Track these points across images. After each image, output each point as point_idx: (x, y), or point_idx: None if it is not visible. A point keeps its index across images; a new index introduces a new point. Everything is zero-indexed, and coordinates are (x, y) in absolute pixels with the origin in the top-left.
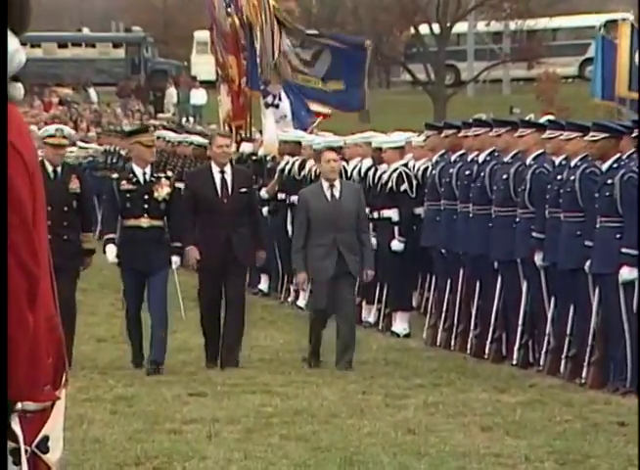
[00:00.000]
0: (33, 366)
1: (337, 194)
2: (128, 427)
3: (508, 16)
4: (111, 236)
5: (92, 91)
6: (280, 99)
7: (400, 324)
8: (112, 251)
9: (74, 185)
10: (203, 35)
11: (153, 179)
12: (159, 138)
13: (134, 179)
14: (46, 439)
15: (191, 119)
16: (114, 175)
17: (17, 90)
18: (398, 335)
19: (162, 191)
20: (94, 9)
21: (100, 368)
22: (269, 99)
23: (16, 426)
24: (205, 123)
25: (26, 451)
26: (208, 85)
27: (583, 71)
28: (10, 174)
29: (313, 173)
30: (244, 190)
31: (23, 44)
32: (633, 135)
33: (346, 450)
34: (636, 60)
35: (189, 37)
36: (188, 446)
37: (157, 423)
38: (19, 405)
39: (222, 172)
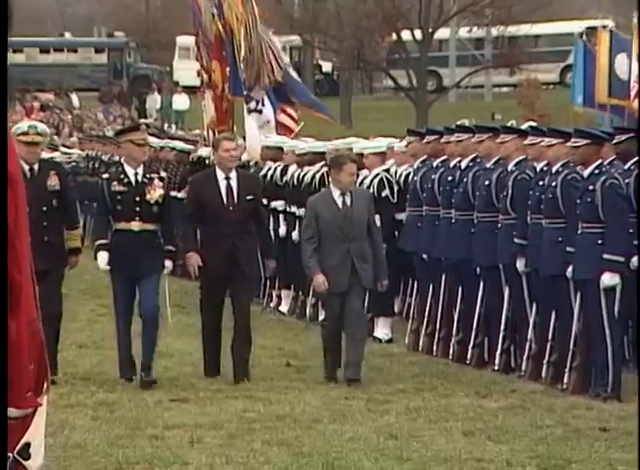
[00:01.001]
0: (16, 372)
1: (348, 201)
2: (110, 432)
3: (490, 22)
4: (102, 242)
5: (74, 96)
6: (263, 104)
7: (382, 329)
8: (103, 258)
9: (53, 182)
10: (185, 41)
11: (145, 180)
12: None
13: (125, 180)
14: (27, 445)
15: (173, 125)
16: (105, 176)
17: None
18: (380, 340)
19: (155, 193)
20: (76, 14)
21: (81, 374)
22: (252, 104)
23: None
24: (188, 129)
25: (8, 458)
26: (190, 91)
27: (564, 78)
28: None
29: (295, 179)
30: (250, 197)
31: None
32: (614, 142)
33: (329, 456)
34: (617, 66)
35: (171, 43)
36: (170, 452)
37: (138, 429)
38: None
39: (227, 178)
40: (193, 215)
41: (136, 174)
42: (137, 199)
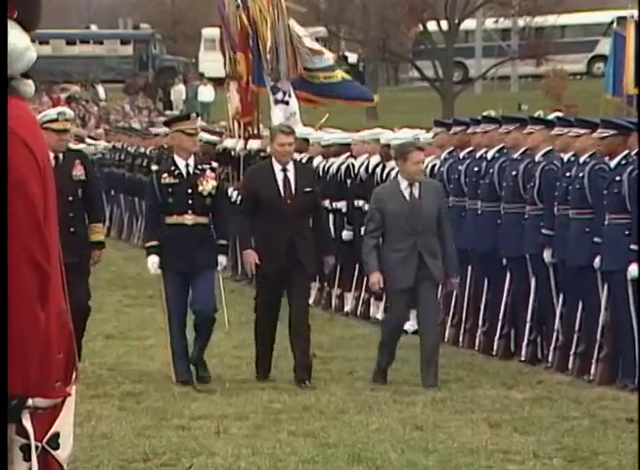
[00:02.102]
0: (45, 362)
1: (416, 193)
2: (136, 423)
3: (516, 13)
4: (153, 244)
5: (100, 88)
6: (290, 96)
7: (409, 321)
8: (153, 262)
9: (79, 172)
10: (210, 32)
11: (197, 171)
12: (166, 135)
13: (176, 172)
14: (57, 435)
15: (198, 117)
16: (154, 167)
17: (28, 87)
18: (406, 332)
19: (208, 184)
20: (102, 6)
21: (108, 365)
22: (279, 95)
23: (27, 422)
24: (212, 121)
25: (37, 448)
26: (216, 82)
27: (591, 68)
28: (23, 173)
29: (320, 170)
30: (308, 189)
31: (32, 41)
32: None
33: (354, 447)
34: None
35: (197, 34)
36: (196, 443)
37: (165, 419)
38: (30, 402)
39: (285, 170)
40: (248, 210)
41: (187, 166)
42: (189, 191)
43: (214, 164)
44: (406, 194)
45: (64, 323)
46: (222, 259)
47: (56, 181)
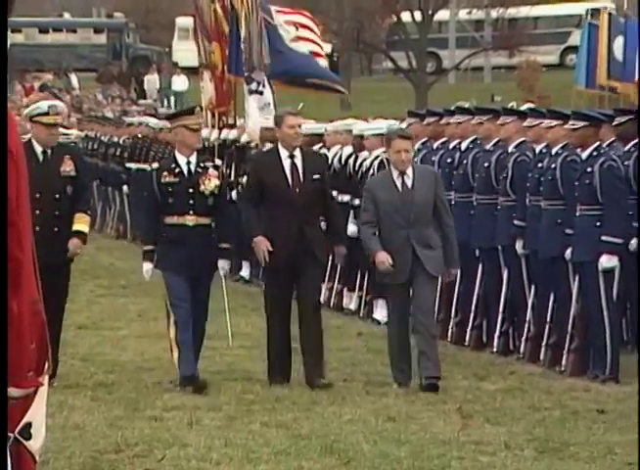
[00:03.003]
0: (17, 352)
1: (409, 182)
2: (109, 414)
3: (489, 4)
4: (149, 248)
5: (73, 77)
6: (264, 86)
7: (381, 311)
8: (147, 270)
9: (68, 168)
10: (184, 22)
11: (199, 170)
12: (141, 124)
13: (177, 170)
14: (29, 425)
15: (172, 105)
16: (154, 165)
17: None
18: (379, 322)
19: (210, 183)
20: None
21: (80, 355)
22: (253, 85)
23: None
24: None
25: (9, 438)
26: (190, 71)
27: (564, 60)
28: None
29: None
30: (317, 177)
31: None
32: (614, 124)
33: (327, 438)
34: (614, 49)
35: (170, 24)
36: (169, 434)
37: (137, 410)
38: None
39: (292, 157)
40: (254, 198)
41: (189, 163)
42: (190, 190)
43: (218, 162)
44: (398, 184)
45: (36, 312)
46: (224, 264)
47: (43, 178)
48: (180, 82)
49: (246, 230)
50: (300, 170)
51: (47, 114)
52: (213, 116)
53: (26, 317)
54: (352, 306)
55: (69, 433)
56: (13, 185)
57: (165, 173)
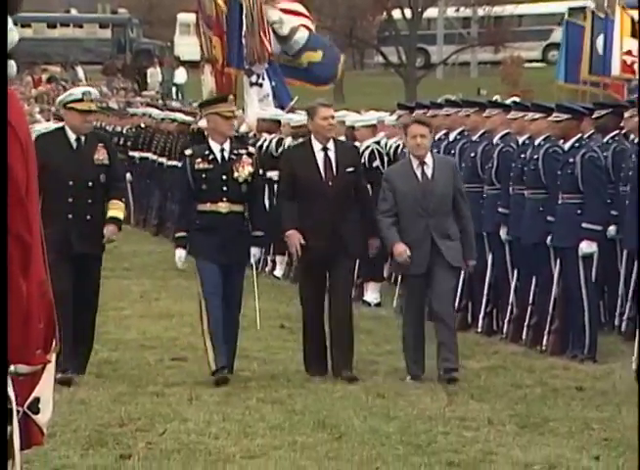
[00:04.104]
0: (26, 330)
1: (428, 172)
2: (113, 390)
3: (476, 2)
4: (182, 234)
5: (79, 69)
6: (263, 78)
7: (372, 294)
8: (180, 256)
9: (101, 156)
10: (185, 17)
11: (233, 157)
12: (144, 115)
13: (211, 157)
14: (37, 400)
15: (174, 98)
16: (188, 151)
17: (10, 68)
18: (370, 304)
19: (244, 170)
20: None
21: None
22: (253, 78)
23: (9, 388)
24: (187, 102)
25: (18, 412)
26: (191, 65)
27: (546, 56)
28: (8, 154)
29: None
30: (350, 169)
31: (14, 24)
32: (594, 117)
33: (320, 414)
34: (597, 45)
35: (172, 19)
36: (169, 409)
37: (140, 386)
38: (11, 368)
39: (325, 149)
40: (287, 191)
41: (222, 150)
42: (224, 177)
43: (251, 150)
44: (418, 173)
45: (44, 293)
46: (256, 251)
47: (77, 165)
48: (180, 75)
49: (281, 222)
50: (334, 163)
51: (81, 100)
52: None
53: (35, 298)
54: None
55: (76, 407)
56: (22, 170)
57: (199, 160)
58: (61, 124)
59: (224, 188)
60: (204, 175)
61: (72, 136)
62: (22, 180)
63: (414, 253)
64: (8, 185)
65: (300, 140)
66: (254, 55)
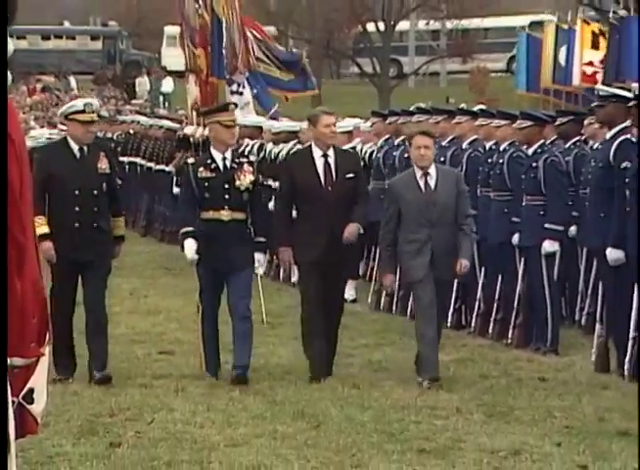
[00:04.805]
0: (21, 326)
1: (432, 183)
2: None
3: (445, 16)
4: (188, 229)
5: (72, 79)
6: (244, 87)
7: (348, 291)
8: (191, 246)
9: (104, 165)
10: (172, 30)
11: (234, 165)
12: (133, 122)
13: (213, 165)
14: (31, 391)
15: (162, 106)
16: (190, 160)
17: None
18: (346, 300)
19: (245, 179)
20: (74, 4)
21: (78, 329)
22: (234, 87)
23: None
24: (174, 109)
25: (13, 403)
26: (178, 75)
27: (511, 66)
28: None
29: (273, 155)
30: (350, 176)
31: (10, 36)
32: (557, 123)
33: (299, 404)
34: (560, 56)
35: (160, 31)
36: (157, 400)
37: (129, 378)
38: (7, 361)
39: (325, 156)
40: (286, 198)
41: (224, 159)
42: (226, 186)
43: (252, 158)
44: (421, 184)
45: (38, 291)
46: (260, 257)
47: (81, 175)
48: (167, 84)
49: (275, 234)
50: (333, 169)
51: (83, 111)
52: (198, 114)
53: (29, 295)
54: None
55: (69, 399)
56: (16, 173)
57: (202, 169)
58: (55, 131)
59: (226, 196)
60: (206, 184)
61: (75, 147)
62: (17, 184)
63: (416, 259)
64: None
65: (281, 145)
66: (234, 65)
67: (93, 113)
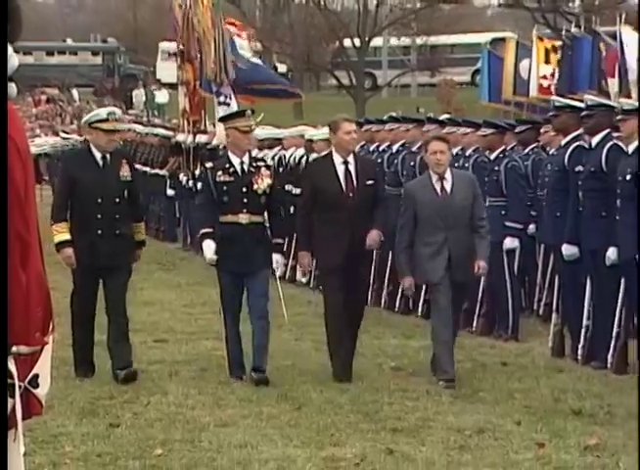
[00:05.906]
0: (26, 316)
1: (448, 187)
2: (103, 367)
3: (415, 33)
4: (207, 230)
5: (74, 91)
6: (230, 98)
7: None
8: (209, 246)
9: (126, 172)
10: (166, 45)
11: (252, 169)
12: (129, 130)
13: (231, 170)
14: (36, 376)
15: (156, 115)
16: (209, 164)
17: (11, 89)
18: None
19: (263, 183)
20: (76, 23)
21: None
22: (222, 98)
23: (11, 366)
24: (167, 119)
25: (20, 387)
26: (172, 87)
27: (474, 79)
28: (9, 162)
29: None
30: (370, 182)
31: (17, 52)
32: (516, 131)
33: (282, 387)
34: (520, 69)
35: (155, 47)
36: (153, 383)
37: None
38: (14, 349)
39: (345, 163)
40: (308, 205)
41: (242, 163)
42: (244, 190)
43: (269, 162)
44: (437, 188)
45: (42, 284)
46: (278, 258)
47: (104, 182)
48: (162, 96)
49: (298, 239)
50: (354, 176)
51: (106, 120)
52: (188, 123)
53: (34, 287)
54: (304, 280)
55: (71, 383)
56: (21, 175)
57: (220, 173)
58: (57, 139)
59: (245, 200)
60: (225, 188)
61: (98, 154)
62: (22, 185)
63: (433, 261)
64: (8, 189)
65: (266, 151)
66: (215, 77)
67: (116, 121)
